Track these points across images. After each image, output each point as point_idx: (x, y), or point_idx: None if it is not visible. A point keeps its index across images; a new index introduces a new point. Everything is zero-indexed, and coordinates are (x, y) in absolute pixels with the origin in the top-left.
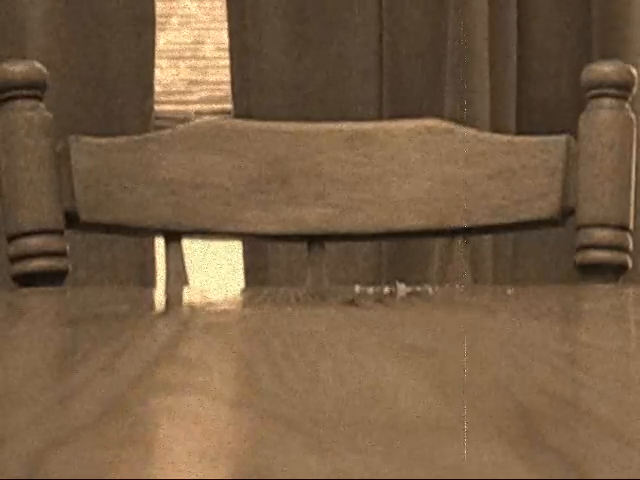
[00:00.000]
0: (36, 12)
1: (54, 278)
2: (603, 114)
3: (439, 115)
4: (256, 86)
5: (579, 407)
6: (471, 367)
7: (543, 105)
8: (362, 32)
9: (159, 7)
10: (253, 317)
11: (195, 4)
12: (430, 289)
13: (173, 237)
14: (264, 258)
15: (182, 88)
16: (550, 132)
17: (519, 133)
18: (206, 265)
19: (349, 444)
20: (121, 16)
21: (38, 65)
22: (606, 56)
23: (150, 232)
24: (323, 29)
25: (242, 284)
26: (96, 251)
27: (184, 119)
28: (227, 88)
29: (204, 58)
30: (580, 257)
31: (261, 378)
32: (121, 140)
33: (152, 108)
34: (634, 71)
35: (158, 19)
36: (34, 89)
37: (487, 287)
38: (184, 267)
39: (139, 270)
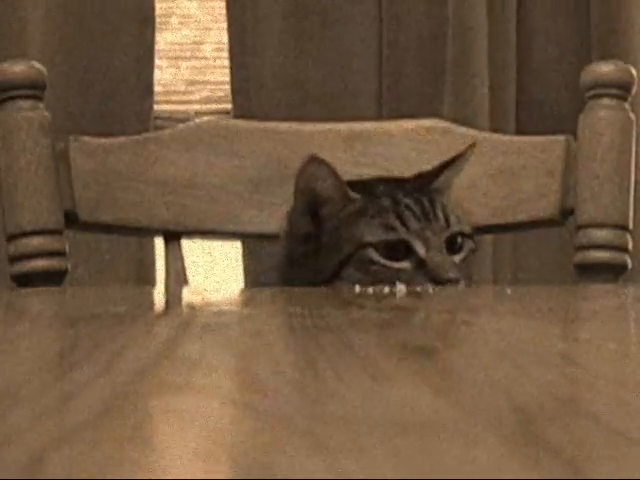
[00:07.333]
0: (36, 12)
1: (54, 278)
2: (602, 114)
3: (439, 115)
4: (256, 86)
5: (578, 407)
6: (471, 367)
7: (543, 105)
8: (361, 32)
9: (159, 7)
10: (253, 317)
11: (195, 4)
12: (430, 289)
13: (173, 237)
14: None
15: (182, 88)
16: (550, 132)
17: (519, 133)
18: (206, 265)
19: (349, 444)
20: (121, 16)
21: (38, 65)
22: (605, 56)
23: (150, 232)
24: (322, 29)
25: (242, 284)
26: (96, 251)
27: (184, 119)
28: (227, 88)
29: (204, 58)
30: (580, 257)
31: (261, 378)
32: (121, 140)
33: (152, 108)
34: (633, 71)
35: (158, 19)
36: (34, 89)
37: (487, 287)
38: (184, 267)
39: (139, 270)
